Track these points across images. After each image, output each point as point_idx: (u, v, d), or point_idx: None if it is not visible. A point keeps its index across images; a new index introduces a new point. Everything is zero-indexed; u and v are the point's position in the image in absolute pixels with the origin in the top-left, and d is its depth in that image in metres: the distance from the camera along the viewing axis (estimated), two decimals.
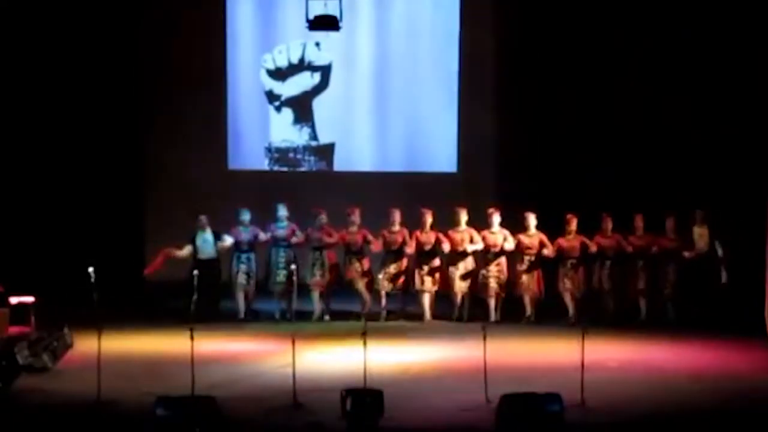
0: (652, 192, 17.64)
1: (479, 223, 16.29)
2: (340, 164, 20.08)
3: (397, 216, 16.31)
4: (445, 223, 16.35)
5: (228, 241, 16.34)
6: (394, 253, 16.30)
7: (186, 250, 16.27)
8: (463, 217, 16.22)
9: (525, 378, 12.18)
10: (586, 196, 17.49)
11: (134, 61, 18.86)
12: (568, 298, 16.13)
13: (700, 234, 16.23)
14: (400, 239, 16.24)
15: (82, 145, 18.49)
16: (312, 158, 20.05)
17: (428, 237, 16.23)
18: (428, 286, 16.27)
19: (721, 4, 17.59)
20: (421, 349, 14.35)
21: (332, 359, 13.61)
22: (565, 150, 18.49)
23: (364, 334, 11.33)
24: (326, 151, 20.00)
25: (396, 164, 19.89)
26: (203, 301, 15.96)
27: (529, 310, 16.20)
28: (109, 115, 18.69)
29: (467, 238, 16.16)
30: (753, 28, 17.18)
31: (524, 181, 18.60)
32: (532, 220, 16.18)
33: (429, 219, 16.25)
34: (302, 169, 20.11)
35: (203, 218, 16.42)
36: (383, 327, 15.52)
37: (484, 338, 11.56)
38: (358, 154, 20.05)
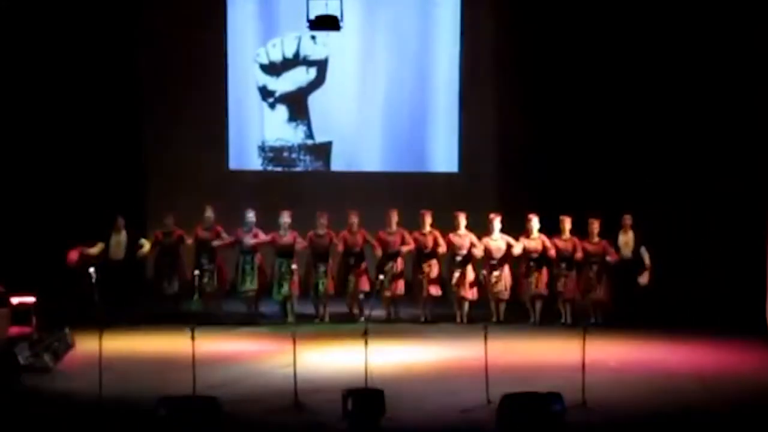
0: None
1: (480, 224, 16.33)
2: (337, 164, 19.70)
3: (324, 219, 16.27)
4: (447, 225, 16.36)
5: (146, 247, 16.39)
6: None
7: (97, 248, 16.27)
8: (394, 218, 16.29)
9: (526, 378, 12.21)
10: (587, 194, 17.52)
11: (134, 60, 18.82)
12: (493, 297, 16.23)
13: (625, 242, 16.14)
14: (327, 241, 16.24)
15: (82, 145, 18.46)
16: (308, 158, 19.67)
17: (354, 239, 16.25)
18: (351, 288, 16.28)
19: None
20: (422, 349, 14.37)
21: (333, 359, 13.62)
22: (567, 150, 18.48)
23: (365, 334, 11.37)
24: (323, 151, 19.63)
25: (396, 164, 19.53)
26: (108, 303, 16.14)
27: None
28: (109, 115, 18.66)
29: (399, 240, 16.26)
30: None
31: (526, 182, 18.61)
32: (462, 220, 16.23)
33: (355, 220, 16.24)
34: (297, 169, 19.71)
35: (120, 220, 16.53)
36: (382, 327, 15.55)
37: (485, 338, 11.61)
38: (356, 153, 19.67)
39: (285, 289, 15.92)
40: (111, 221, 16.52)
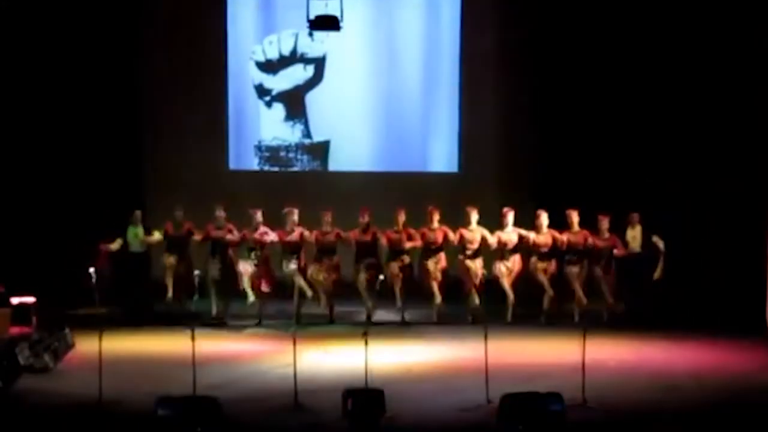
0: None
1: (480, 224, 16.27)
2: (335, 164, 19.56)
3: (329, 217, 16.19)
4: (446, 226, 16.31)
5: (156, 235, 16.50)
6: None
7: (116, 243, 16.41)
8: (401, 217, 16.22)
9: (526, 377, 12.23)
10: (587, 194, 17.51)
11: (134, 60, 18.79)
12: (506, 287, 16.19)
13: (633, 236, 16.21)
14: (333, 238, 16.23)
15: (82, 145, 18.45)
16: (305, 157, 19.54)
17: (364, 237, 16.19)
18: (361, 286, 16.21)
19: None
20: (422, 349, 14.38)
21: (333, 359, 13.63)
22: (566, 150, 18.48)
23: (365, 334, 11.37)
24: (320, 150, 19.50)
25: (394, 164, 19.40)
26: (133, 298, 16.13)
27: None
28: (109, 114, 18.64)
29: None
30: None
31: (526, 182, 18.60)
32: (474, 215, 16.19)
33: (366, 219, 16.18)
34: (294, 169, 19.56)
35: (137, 213, 16.70)
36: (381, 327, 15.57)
37: (485, 338, 11.62)
38: (354, 153, 19.51)
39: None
40: (111, 220, 16.53)
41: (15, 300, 14.63)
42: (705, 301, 16.41)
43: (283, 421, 10.92)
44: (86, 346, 13.12)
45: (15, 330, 14.30)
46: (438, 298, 16.19)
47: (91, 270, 12.49)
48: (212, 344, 14.31)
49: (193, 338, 11.65)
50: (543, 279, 16.14)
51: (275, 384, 12.20)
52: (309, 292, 15.98)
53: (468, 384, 12.02)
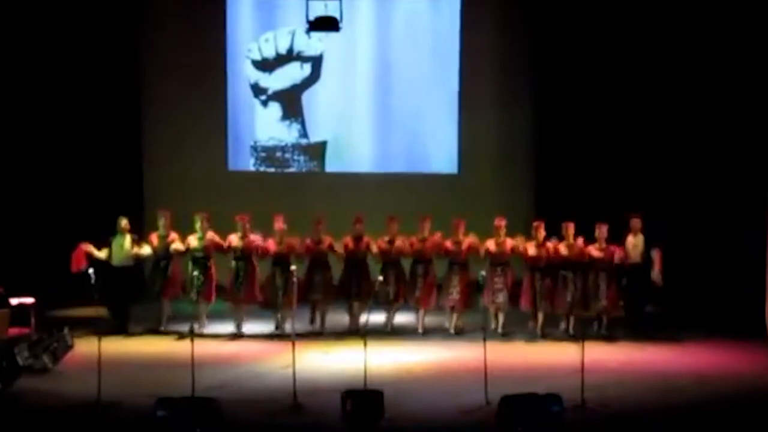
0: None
1: (480, 226, 16.20)
2: (332, 164, 19.40)
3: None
4: (446, 228, 16.03)
5: (146, 249, 15.65)
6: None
7: (103, 253, 15.48)
8: (394, 226, 15.84)
9: (525, 379, 12.24)
10: (587, 195, 17.53)
11: (132, 60, 18.78)
12: (492, 305, 15.70)
13: (634, 244, 15.60)
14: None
15: (81, 145, 18.44)
16: (302, 158, 19.41)
17: (358, 245, 15.76)
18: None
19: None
20: (421, 351, 14.35)
21: (332, 360, 13.64)
22: (566, 150, 18.49)
23: (364, 336, 11.40)
24: (317, 151, 19.38)
25: (393, 165, 19.22)
26: (112, 311, 15.83)
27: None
28: (108, 115, 18.64)
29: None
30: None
31: (525, 183, 18.61)
32: (461, 227, 15.79)
33: (360, 226, 15.76)
34: (291, 169, 19.39)
35: (124, 221, 15.70)
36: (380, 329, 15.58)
37: (484, 340, 11.64)
38: (352, 153, 19.38)
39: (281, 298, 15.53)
40: (111, 222, 16.36)
41: (14, 300, 14.62)
42: (705, 302, 16.43)
43: (283, 422, 10.94)
44: (85, 347, 13.17)
45: (14, 331, 14.29)
46: (453, 325, 15.80)
47: (90, 270, 12.50)
48: (211, 345, 14.35)
49: (192, 339, 11.67)
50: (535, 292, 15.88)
51: (275, 385, 12.21)
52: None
53: (467, 385, 12.03)
